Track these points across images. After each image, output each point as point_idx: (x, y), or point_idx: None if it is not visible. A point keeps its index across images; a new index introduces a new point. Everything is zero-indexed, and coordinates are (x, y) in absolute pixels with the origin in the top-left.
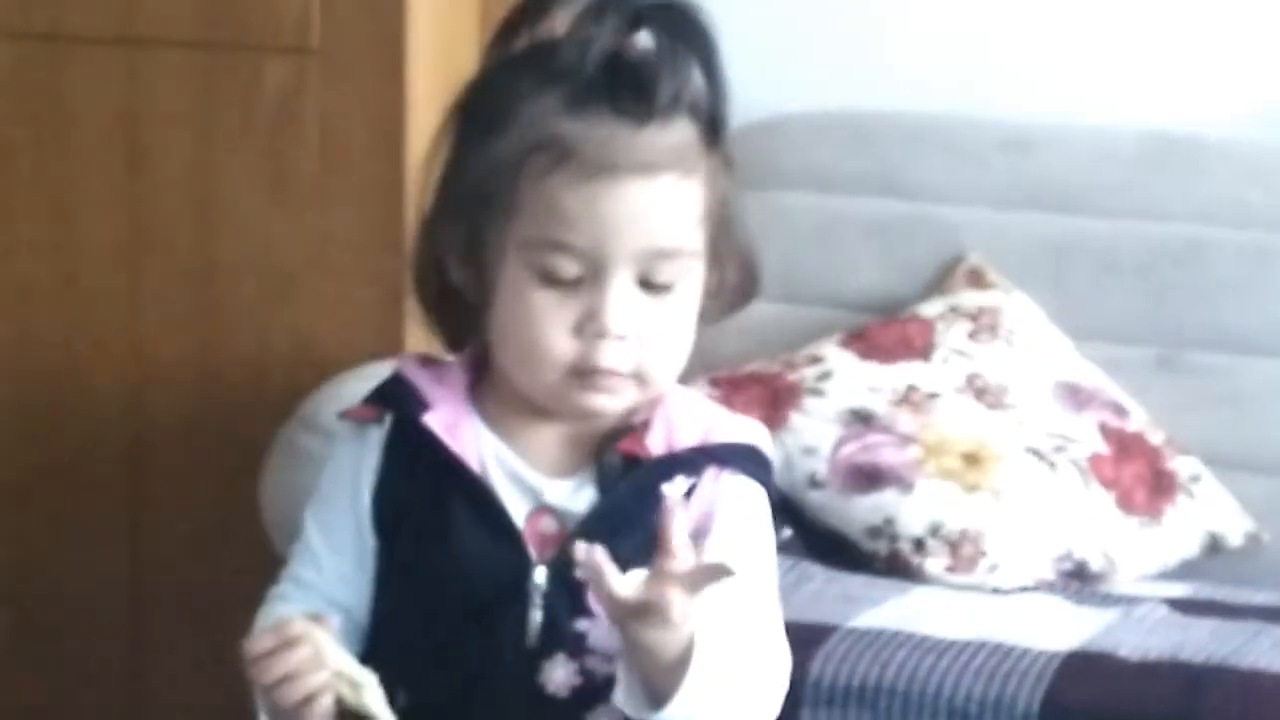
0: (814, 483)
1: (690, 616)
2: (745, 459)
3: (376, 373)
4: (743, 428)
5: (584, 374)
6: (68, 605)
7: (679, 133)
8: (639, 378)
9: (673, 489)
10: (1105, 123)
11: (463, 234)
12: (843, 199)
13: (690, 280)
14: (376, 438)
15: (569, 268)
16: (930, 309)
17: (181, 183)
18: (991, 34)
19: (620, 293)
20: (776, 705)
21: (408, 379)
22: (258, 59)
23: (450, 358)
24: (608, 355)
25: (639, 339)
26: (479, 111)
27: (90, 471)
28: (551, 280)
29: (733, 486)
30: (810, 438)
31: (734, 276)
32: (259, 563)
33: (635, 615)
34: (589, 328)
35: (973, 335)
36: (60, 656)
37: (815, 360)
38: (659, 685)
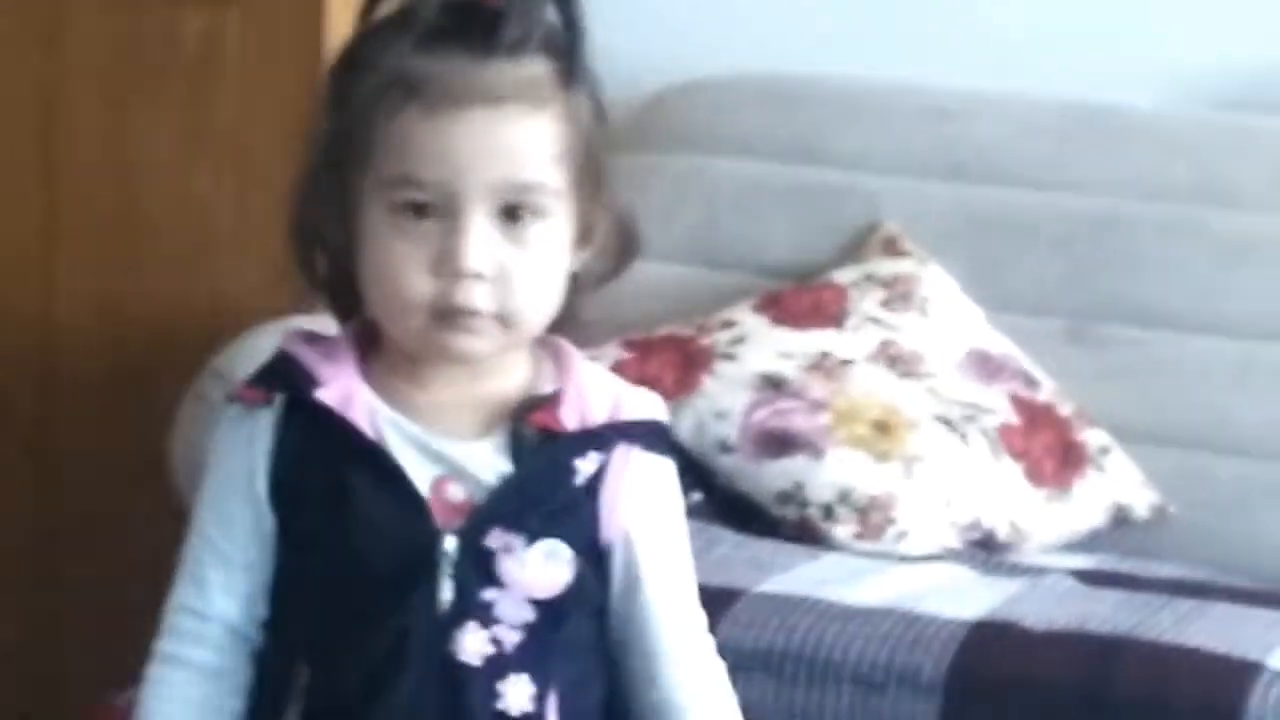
0: (724, 447)
1: None
2: (655, 436)
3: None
4: (647, 402)
5: (445, 314)
6: None
7: (529, 68)
8: (503, 320)
9: (585, 464)
10: (1027, 94)
11: (333, 191)
12: (761, 164)
13: (553, 221)
14: (267, 419)
15: (422, 202)
16: (845, 276)
17: (99, 135)
18: (916, 1)
19: (475, 229)
20: None
21: (295, 356)
22: (176, 9)
23: (336, 330)
24: (465, 294)
25: (499, 278)
26: (341, 71)
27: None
28: (407, 218)
29: (648, 466)
30: (722, 402)
31: (608, 233)
32: (169, 516)
33: None
34: (445, 266)
35: (886, 303)
36: None
37: (729, 325)
38: None
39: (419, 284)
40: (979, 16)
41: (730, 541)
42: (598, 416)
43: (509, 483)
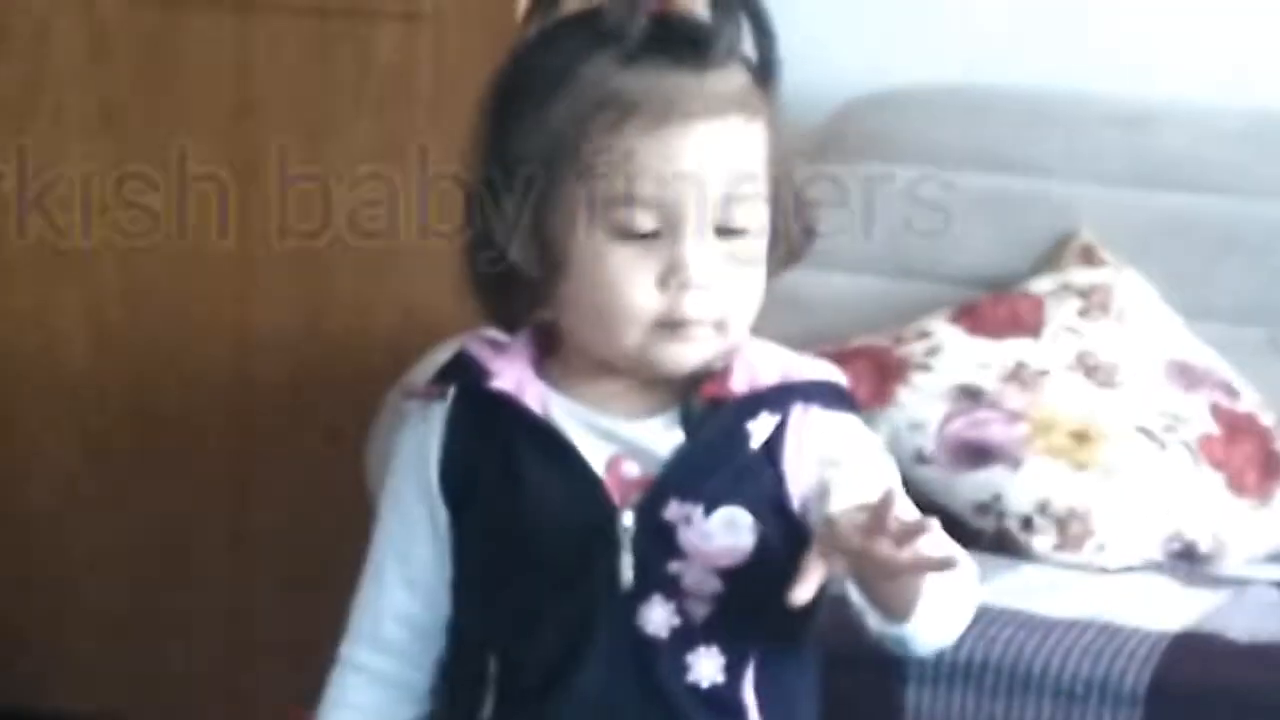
0: (921, 458)
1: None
2: (831, 395)
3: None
4: (819, 366)
5: (669, 326)
6: (172, 559)
7: (738, 78)
8: (720, 326)
9: (758, 426)
10: (1223, 101)
11: (524, 207)
12: (955, 173)
13: (760, 226)
14: (440, 413)
15: (647, 221)
16: (1041, 286)
17: (291, 150)
18: (1110, 11)
19: (701, 241)
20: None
21: (470, 353)
22: (369, 25)
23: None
24: (694, 305)
25: (720, 287)
26: (528, 82)
27: (198, 434)
28: (630, 237)
29: (832, 422)
30: (918, 413)
31: (795, 230)
32: (359, 527)
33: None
34: (673, 280)
35: (1083, 313)
36: (167, 609)
37: (924, 335)
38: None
39: (645, 297)
40: (1174, 25)
41: None
42: (767, 381)
43: (682, 453)
